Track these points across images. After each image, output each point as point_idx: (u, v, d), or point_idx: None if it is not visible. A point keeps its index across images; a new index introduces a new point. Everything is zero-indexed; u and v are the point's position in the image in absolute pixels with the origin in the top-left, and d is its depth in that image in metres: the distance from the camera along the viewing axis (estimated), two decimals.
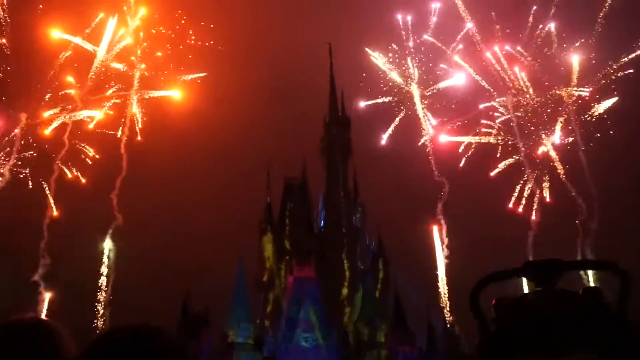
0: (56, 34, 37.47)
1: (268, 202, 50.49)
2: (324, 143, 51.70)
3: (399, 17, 43.25)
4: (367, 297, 47.26)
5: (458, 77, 42.16)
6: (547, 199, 41.43)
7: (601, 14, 39.02)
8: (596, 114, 40.48)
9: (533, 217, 41.18)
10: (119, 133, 39.98)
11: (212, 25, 42.16)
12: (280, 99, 60.40)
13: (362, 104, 47.50)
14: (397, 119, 45.02)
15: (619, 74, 39.88)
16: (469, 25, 41.34)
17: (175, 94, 41.09)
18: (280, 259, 48.52)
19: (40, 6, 37.07)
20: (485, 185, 42.63)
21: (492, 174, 42.41)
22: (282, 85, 59.58)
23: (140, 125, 40.46)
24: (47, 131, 38.88)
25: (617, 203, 42.04)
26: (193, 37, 40.49)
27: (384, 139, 46.28)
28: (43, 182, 39.04)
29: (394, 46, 44.03)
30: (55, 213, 38.93)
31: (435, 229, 43.03)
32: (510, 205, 42.21)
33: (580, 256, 39.30)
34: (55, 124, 38.92)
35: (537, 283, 1.89)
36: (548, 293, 1.85)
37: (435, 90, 42.76)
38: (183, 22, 40.64)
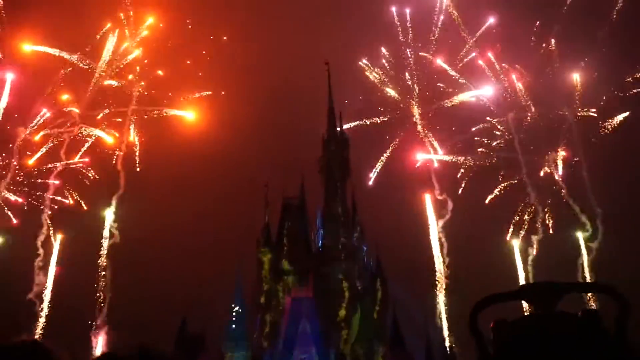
0: (28, 47, 36.94)
1: (266, 221, 50.40)
2: (322, 161, 51.73)
3: (399, 26, 42.99)
4: (365, 317, 46.94)
5: (485, 89, 41.30)
6: (551, 231, 40.69)
7: (602, 33, 39.10)
8: (603, 132, 40.12)
9: (535, 252, 40.42)
10: (117, 153, 39.79)
11: (224, 38, 42.10)
12: (278, 117, 60.57)
13: (360, 122, 47.33)
14: (387, 153, 44.31)
15: (622, 94, 39.72)
16: (491, 19, 40.81)
17: (189, 115, 41.05)
18: (277, 279, 48.28)
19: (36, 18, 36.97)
20: (485, 206, 42.24)
21: (487, 200, 41.85)
22: (280, 103, 59.85)
23: (138, 151, 40.21)
24: (31, 161, 38.30)
25: (620, 222, 41.51)
26: (202, 53, 40.52)
27: (372, 178, 45.98)
28: (41, 206, 38.60)
29: (388, 56, 43.88)
30: (56, 244, 38.23)
31: (436, 246, 42.44)
32: (508, 237, 41.47)
33: (581, 275, 38.96)
34: (41, 152, 38.40)
35: (536, 305, 1.89)
36: (546, 315, 1.85)
37: (450, 103, 41.91)
38: (189, 26, 40.56)
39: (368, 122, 45.54)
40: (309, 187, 52.39)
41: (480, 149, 42.40)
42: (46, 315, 37.56)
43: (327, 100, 54.15)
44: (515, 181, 41.72)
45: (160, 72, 40.06)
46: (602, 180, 40.57)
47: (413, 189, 45.11)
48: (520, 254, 41.24)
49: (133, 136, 39.84)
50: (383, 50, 43.87)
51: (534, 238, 40.92)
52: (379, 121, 44.77)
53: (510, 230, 41.71)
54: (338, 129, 52.21)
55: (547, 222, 41.02)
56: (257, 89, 56.83)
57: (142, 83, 39.60)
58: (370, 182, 46.04)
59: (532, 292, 1.89)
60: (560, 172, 41.17)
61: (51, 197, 38.80)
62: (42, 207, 38.78)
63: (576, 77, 40.30)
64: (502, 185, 41.85)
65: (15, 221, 37.78)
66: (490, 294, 1.94)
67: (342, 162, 51.44)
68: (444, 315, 42.44)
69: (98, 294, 39.14)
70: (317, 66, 54.12)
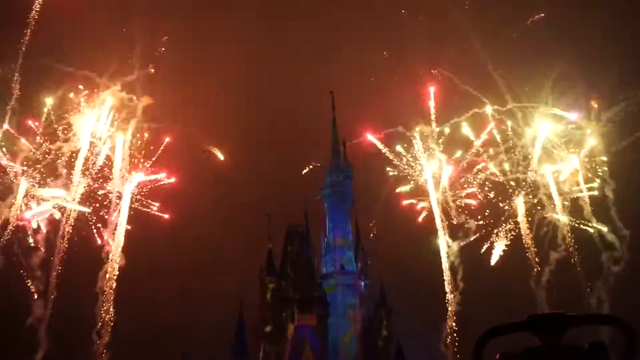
0: None
1: (269, 248, 50.15)
2: (326, 190, 51.81)
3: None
4: (369, 347, 46.42)
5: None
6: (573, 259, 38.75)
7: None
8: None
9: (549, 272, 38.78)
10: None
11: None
12: (282, 144, 60.80)
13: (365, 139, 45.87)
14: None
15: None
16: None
17: (219, 156, 41.00)
18: (281, 307, 47.88)
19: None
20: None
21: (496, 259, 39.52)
22: (284, 130, 60.11)
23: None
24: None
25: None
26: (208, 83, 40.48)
27: (374, 232, 45.47)
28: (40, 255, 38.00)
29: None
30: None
31: (446, 271, 41.04)
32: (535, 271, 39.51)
33: (596, 301, 37.44)
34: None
35: (542, 337, 1.85)
36: (552, 348, 1.81)
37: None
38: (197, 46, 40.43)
39: (377, 137, 44.09)
40: (313, 214, 52.39)
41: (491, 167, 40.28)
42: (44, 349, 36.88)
43: (331, 128, 54.44)
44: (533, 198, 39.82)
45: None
46: (629, 201, 38.61)
47: (421, 216, 43.98)
48: (537, 276, 39.17)
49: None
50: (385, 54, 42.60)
51: (553, 255, 38.88)
52: (386, 153, 43.95)
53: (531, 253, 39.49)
54: (342, 157, 52.43)
55: (569, 241, 39.05)
56: (261, 115, 57.18)
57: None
58: (371, 235, 45.64)
59: (538, 324, 1.85)
60: (584, 192, 38.94)
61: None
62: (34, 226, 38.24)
63: (594, 104, 39.22)
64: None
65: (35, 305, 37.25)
66: (495, 325, 1.91)
67: (346, 190, 51.50)
68: (453, 344, 41.20)
69: (98, 325, 38.49)
70: (323, 94, 54.33)
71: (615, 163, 38.97)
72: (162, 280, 50.83)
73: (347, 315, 47.55)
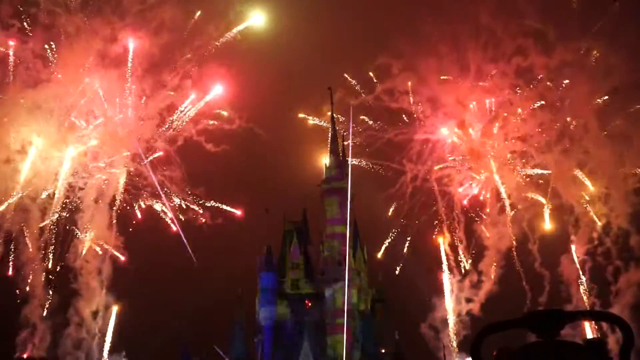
0: None
1: (267, 244, 50.17)
2: (325, 185, 51.71)
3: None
4: (369, 344, 46.52)
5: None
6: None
7: None
8: None
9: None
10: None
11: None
12: (280, 140, 60.58)
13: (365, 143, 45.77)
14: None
15: None
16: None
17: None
18: (280, 302, 47.99)
19: None
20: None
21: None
22: (283, 126, 59.87)
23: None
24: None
25: None
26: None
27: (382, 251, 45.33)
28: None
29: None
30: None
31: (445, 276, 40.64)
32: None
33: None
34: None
35: (539, 333, 1.87)
36: (550, 344, 1.82)
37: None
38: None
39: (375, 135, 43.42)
40: (313, 210, 52.40)
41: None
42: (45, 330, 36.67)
43: (330, 124, 54.19)
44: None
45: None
46: None
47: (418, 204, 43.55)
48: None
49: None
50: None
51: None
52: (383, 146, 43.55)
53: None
54: (340, 153, 52.29)
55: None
56: (260, 109, 56.77)
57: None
58: (379, 255, 45.44)
59: (536, 320, 1.87)
60: None
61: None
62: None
63: None
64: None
65: None
66: (494, 321, 1.93)
67: (344, 186, 51.39)
68: (453, 339, 41.03)
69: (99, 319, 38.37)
70: (323, 91, 53.83)
71: None
72: (162, 274, 50.77)
73: (346, 311, 47.58)
